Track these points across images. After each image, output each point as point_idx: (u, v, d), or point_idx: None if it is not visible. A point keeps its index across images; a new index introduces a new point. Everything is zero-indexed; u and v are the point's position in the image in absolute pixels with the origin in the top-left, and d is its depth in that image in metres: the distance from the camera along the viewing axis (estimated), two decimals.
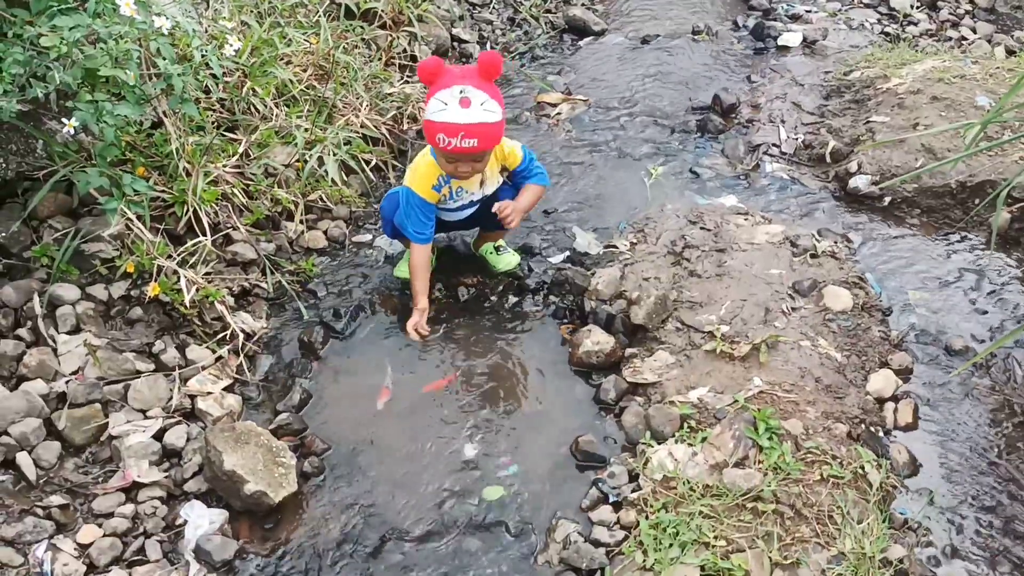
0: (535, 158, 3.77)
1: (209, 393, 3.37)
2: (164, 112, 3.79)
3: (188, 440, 3.22)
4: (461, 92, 3.27)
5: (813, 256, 3.90)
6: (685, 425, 3.13)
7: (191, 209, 3.74)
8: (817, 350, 3.42)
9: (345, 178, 4.45)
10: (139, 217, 3.53)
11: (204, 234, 3.74)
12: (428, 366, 3.58)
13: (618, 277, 3.83)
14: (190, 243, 3.68)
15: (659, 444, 3.07)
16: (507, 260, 4.02)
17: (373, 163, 4.58)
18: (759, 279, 3.77)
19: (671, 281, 3.83)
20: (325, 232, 4.24)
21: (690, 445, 3.03)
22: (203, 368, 3.47)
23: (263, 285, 3.88)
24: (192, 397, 3.36)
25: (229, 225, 3.96)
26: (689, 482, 2.91)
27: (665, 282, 3.82)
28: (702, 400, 3.22)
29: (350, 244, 4.21)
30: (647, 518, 2.84)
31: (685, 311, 3.63)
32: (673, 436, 3.10)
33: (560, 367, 3.55)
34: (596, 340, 3.48)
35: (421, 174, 3.59)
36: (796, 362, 3.35)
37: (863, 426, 3.18)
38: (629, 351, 3.55)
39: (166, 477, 3.09)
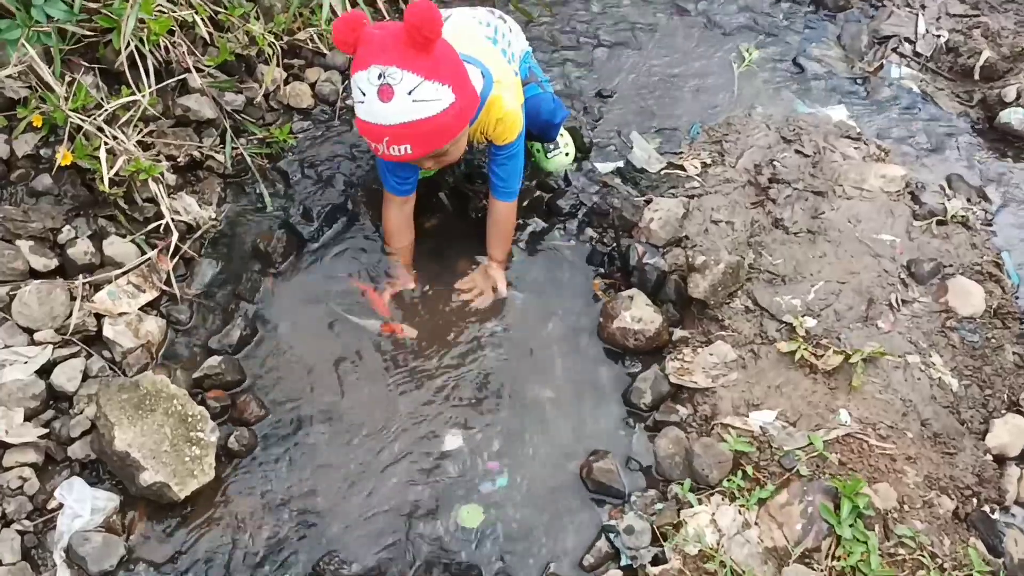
0: (523, 147, 2.66)
1: (123, 314, 2.55)
2: None
3: (84, 380, 2.44)
4: (380, 78, 2.21)
5: (940, 223, 2.94)
6: (739, 471, 2.32)
7: (129, 45, 2.76)
8: (929, 372, 2.56)
9: (349, 8, 3.40)
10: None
11: (148, 77, 2.79)
12: (412, 309, 2.74)
13: (679, 215, 2.90)
14: (124, 95, 2.74)
15: (698, 502, 2.26)
16: (558, 161, 3.06)
17: None
18: (865, 247, 2.84)
19: (747, 230, 2.90)
20: (313, 86, 3.27)
21: (742, 507, 2.23)
22: (122, 273, 2.63)
23: (219, 157, 2.97)
24: (99, 316, 2.54)
25: (184, 67, 2.99)
26: (734, 569, 2.13)
27: (740, 231, 2.89)
28: (766, 432, 2.39)
29: (343, 107, 3.24)
30: None
31: (760, 286, 2.73)
32: (721, 483, 2.30)
33: (586, 338, 2.70)
34: (638, 316, 2.61)
35: None
36: (899, 390, 2.49)
37: (975, 501, 2.36)
38: (679, 333, 2.68)
39: (45, 435, 2.33)
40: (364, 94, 2.24)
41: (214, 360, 2.51)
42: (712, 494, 2.29)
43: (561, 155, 3.04)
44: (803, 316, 2.62)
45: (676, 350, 2.63)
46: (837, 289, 2.71)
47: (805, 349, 2.54)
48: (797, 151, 3.19)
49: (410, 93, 2.20)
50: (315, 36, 3.30)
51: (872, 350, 2.49)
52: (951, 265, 2.83)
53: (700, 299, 2.67)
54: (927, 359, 2.59)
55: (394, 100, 2.20)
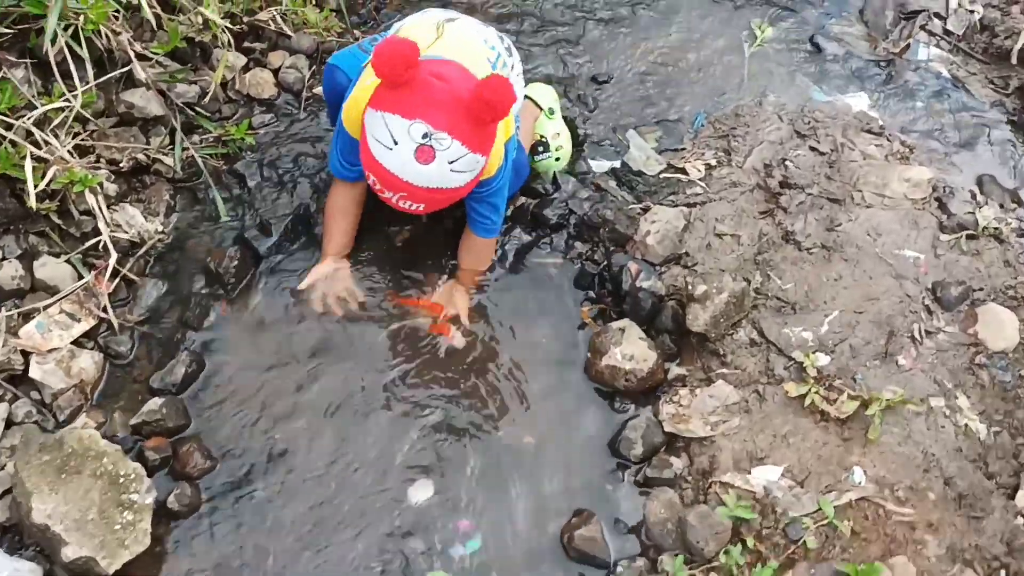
0: (506, 181, 2.37)
1: (53, 350, 2.28)
2: None
3: (8, 428, 2.19)
4: (425, 138, 1.95)
5: (971, 237, 2.64)
6: (739, 541, 2.06)
7: (58, 37, 2.44)
8: (954, 419, 2.29)
9: None
10: None
11: (86, 71, 2.49)
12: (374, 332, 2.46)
13: (679, 228, 2.61)
14: (56, 96, 2.43)
15: None
16: (545, 165, 2.76)
17: None
18: (886, 266, 2.55)
19: (755, 245, 2.61)
20: (276, 72, 2.95)
21: None
22: (53, 302, 2.35)
23: (167, 160, 2.66)
24: (26, 353, 2.27)
25: (136, 52, 2.68)
26: None
27: (746, 246, 2.60)
28: (769, 492, 2.13)
29: (308, 97, 2.92)
30: None
31: (768, 314, 2.45)
32: (718, 556, 2.04)
33: (572, 373, 2.43)
34: (629, 353, 2.33)
35: (359, 102, 2.17)
36: (921, 441, 2.23)
37: (1003, 574, 2.10)
38: (675, 370, 2.41)
39: None
40: (396, 143, 1.96)
41: (155, 403, 2.25)
42: (708, 570, 2.04)
43: (550, 160, 2.73)
44: (815, 352, 2.34)
45: (672, 391, 2.36)
46: (854, 320, 2.42)
47: (816, 393, 2.26)
48: (812, 148, 2.88)
49: (451, 163, 1.97)
50: (278, 17, 2.96)
51: (891, 398, 2.21)
52: (981, 288, 2.54)
53: (701, 333, 2.38)
54: (952, 402, 2.32)
55: (432, 165, 1.97)
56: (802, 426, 2.26)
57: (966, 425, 2.28)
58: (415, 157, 1.97)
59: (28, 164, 2.33)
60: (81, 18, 2.50)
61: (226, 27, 2.76)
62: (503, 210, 2.41)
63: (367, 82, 2.13)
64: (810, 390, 2.27)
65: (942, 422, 2.27)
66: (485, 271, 2.54)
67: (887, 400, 2.21)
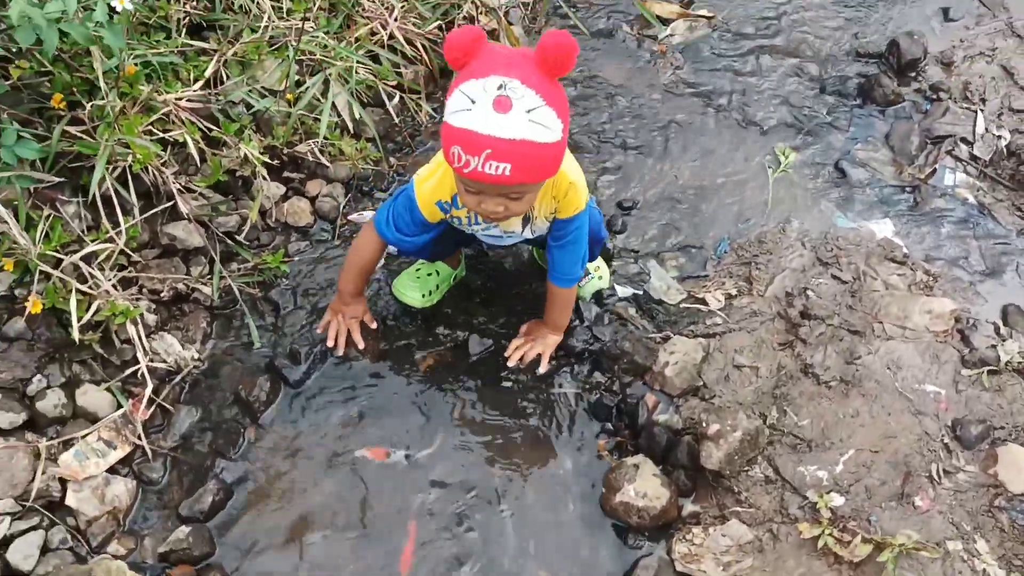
0: (588, 224, 2.47)
1: (89, 478, 2.39)
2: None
3: (43, 554, 2.28)
4: (500, 88, 1.96)
5: (993, 372, 2.63)
6: None
7: (104, 180, 2.62)
8: (972, 564, 2.26)
9: (358, 116, 3.20)
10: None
11: (134, 208, 2.66)
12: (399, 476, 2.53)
13: (697, 360, 2.65)
14: (102, 234, 2.59)
15: None
16: (591, 287, 2.89)
17: (396, 97, 3.33)
18: (905, 401, 2.56)
19: (773, 378, 2.64)
20: (312, 201, 3.09)
21: None
22: (91, 432, 2.46)
23: (205, 289, 2.80)
24: (64, 480, 2.38)
25: (179, 187, 2.84)
26: None
27: (765, 378, 2.63)
28: None
29: (344, 224, 3.05)
30: None
31: (784, 451, 2.47)
32: None
33: (587, 506, 2.46)
34: (643, 490, 2.36)
35: (433, 177, 2.37)
36: None
37: None
38: (689, 507, 2.43)
39: None
40: (473, 102, 1.99)
41: (182, 531, 2.34)
42: None
43: (594, 280, 2.84)
44: (829, 493, 2.35)
45: (685, 528, 2.38)
46: (870, 459, 2.43)
47: (829, 535, 2.27)
48: (834, 276, 2.91)
49: (528, 112, 1.98)
50: (316, 149, 3.11)
51: (905, 543, 2.21)
52: (1003, 427, 2.53)
53: (715, 471, 2.40)
54: (970, 546, 2.30)
55: (511, 113, 1.97)
56: (815, 569, 2.26)
57: (984, 571, 2.26)
58: (493, 107, 1.97)
59: (72, 299, 2.47)
60: (129, 158, 2.67)
61: (264, 161, 2.91)
62: (583, 260, 2.53)
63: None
64: (824, 531, 2.27)
65: (959, 567, 2.25)
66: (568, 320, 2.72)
67: (901, 545, 2.20)
